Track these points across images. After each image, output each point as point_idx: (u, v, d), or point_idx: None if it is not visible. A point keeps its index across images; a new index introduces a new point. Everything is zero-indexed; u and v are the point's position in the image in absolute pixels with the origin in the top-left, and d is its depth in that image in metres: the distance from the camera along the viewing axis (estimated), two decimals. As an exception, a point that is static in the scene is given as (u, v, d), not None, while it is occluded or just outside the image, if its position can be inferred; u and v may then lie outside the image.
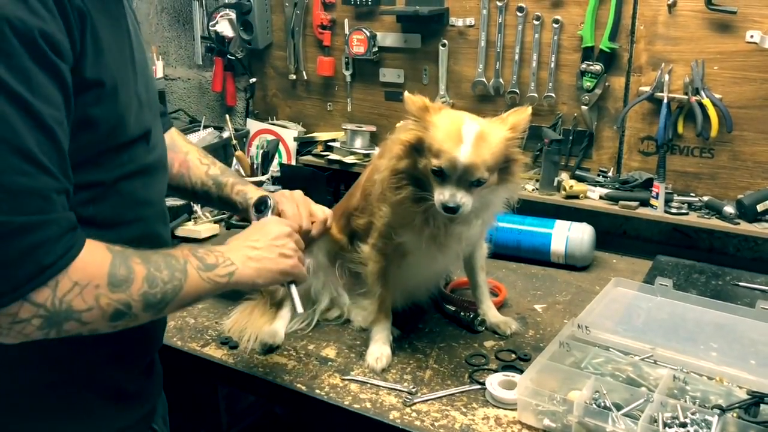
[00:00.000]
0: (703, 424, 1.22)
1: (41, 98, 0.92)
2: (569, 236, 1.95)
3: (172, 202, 2.25)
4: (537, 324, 1.70)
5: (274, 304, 1.69)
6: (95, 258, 0.99)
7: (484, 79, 2.21)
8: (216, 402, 1.76)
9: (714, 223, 1.89)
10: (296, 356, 1.56)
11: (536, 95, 2.14)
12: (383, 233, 1.54)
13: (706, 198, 1.96)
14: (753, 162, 1.92)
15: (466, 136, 1.34)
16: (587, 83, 2.03)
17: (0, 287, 0.91)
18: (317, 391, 1.43)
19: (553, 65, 2.10)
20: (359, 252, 1.60)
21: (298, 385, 1.45)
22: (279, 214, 1.43)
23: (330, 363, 1.53)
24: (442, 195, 1.35)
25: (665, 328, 1.59)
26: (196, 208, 2.29)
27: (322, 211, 1.52)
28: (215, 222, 2.28)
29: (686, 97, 1.93)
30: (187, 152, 1.52)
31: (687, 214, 1.93)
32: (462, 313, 1.68)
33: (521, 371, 1.46)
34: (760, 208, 1.84)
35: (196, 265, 1.12)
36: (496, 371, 1.48)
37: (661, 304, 1.69)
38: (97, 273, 0.99)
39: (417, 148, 1.40)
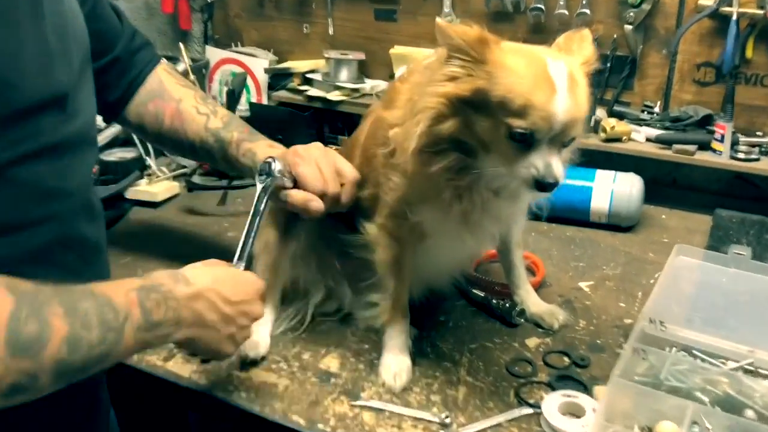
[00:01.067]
0: None
1: None
2: (614, 190, 1.60)
3: (120, 154, 1.86)
4: (587, 310, 1.36)
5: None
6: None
7: (500, -7, 1.79)
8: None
9: (794, 171, 1.55)
10: (288, 371, 1.20)
11: (566, 12, 1.74)
12: (395, 211, 1.16)
13: (778, 138, 1.61)
14: (840, 93, 1.56)
15: (557, 80, 0.95)
16: (634, -4, 1.63)
17: None
18: (320, 425, 1.08)
19: (589, -27, 1.68)
20: (363, 233, 1.22)
21: (295, 417, 1.10)
22: (294, 181, 1.16)
23: (333, 380, 1.18)
24: (533, 168, 0.98)
25: (752, 315, 1.26)
26: (150, 161, 1.87)
27: (350, 169, 1.20)
28: (174, 179, 1.88)
29: (761, 11, 1.53)
30: (179, 99, 1.24)
31: (758, 159, 1.58)
32: (494, 301, 1.33)
33: (581, 383, 1.15)
34: None
35: (137, 324, 0.81)
36: (549, 385, 1.15)
37: (737, 278, 1.35)
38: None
39: (474, 104, 0.99)
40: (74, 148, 0.90)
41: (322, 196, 1.16)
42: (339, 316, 1.35)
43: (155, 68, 1.27)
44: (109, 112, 1.30)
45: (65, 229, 0.91)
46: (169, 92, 1.26)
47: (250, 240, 1.16)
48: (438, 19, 1.00)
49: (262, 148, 1.23)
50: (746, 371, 1.14)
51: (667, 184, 1.79)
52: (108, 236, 1.57)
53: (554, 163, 0.98)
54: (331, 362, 1.23)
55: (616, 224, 1.62)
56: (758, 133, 1.65)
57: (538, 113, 0.95)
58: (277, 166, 1.15)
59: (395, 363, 1.18)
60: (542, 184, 0.98)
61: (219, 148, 1.25)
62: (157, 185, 1.82)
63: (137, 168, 1.84)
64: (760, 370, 1.13)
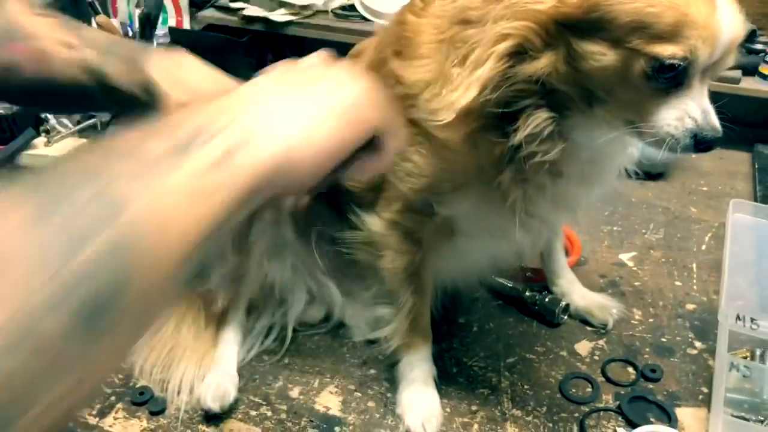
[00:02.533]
0: None
1: None
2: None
3: (4, 106, 1.42)
4: (639, 294, 1.09)
5: (212, 317, 0.98)
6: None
7: None
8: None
9: None
10: (273, 418, 0.90)
11: None
12: (415, 203, 0.83)
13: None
14: None
15: None
16: None
17: None
18: (330, 505, 0.79)
19: None
20: (360, 227, 0.89)
21: (292, 495, 0.80)
22: None
23: (337, 428, 0.87)
24: (687, 116, 0.68)
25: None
26: (47, 114, 1.45)
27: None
28: (80, 134, 1.46)
29: None
30: (36, 35, 0.87)
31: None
32: (527, 293, 1.04)
33: (660, 407, 0.90)
34: None
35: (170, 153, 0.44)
36: (620, 412, 0.89)
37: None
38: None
39: (585, 27, 0.66)
40: None
41: None
42: (328, 327, 1.03)
43: None
44: None
45: None
46: (23, 26, 0.88)
47: None
48: None
49: (161, 72, 0.82)
50: None
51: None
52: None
53: (711, 108, 0.68)
54: (328, 399, 0.92)
55: (647, 171, 1.34)
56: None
57: (698, 33, 0.64)
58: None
59: (421, 403, 0.89)
60: (704, 141, 0.68)
61: (99, 86, 0.86)
62: (59, 145, 1.42)
63: (30, 124, 1.43)
64: None
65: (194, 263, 0.44)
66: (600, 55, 0.66)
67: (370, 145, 0.55)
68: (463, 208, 0.81)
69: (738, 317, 0.95)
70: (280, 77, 0.54)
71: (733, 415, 0.84)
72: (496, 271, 1.03)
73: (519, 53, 0.67)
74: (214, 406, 0.87)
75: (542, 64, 0.67)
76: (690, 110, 0.68)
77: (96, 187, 0.40)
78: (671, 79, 0.66)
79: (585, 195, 0.84)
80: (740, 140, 1.42)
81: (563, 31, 0.66)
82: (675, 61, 0.65)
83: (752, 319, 0.96)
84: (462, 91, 0.69)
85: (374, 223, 0.87)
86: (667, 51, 0.64)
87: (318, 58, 0.59)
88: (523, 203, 0.78)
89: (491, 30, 0.67)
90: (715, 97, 1.11)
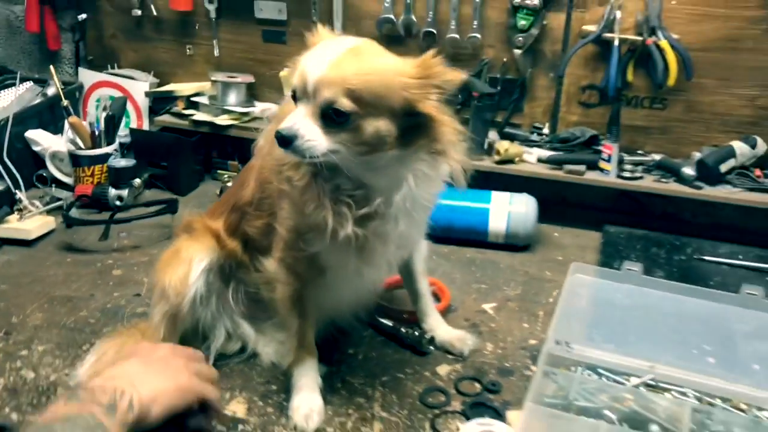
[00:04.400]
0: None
1: None
2: (511, 212, 1.62)
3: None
4: (493, 333, 1.36)
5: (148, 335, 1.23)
6: None
7: (392, 15, 1.79)
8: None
9: (674, 188, 1.63)
10: (190, 420, 1.12)
11: (458, 36, 1.75)
12: (290, 242, 1.12)
13: (657, 156, 1.69)
14: (711, 113, 1.67)
15: (332, 53, 0.96)
16: (522, 21, 1.67)
17: None
18: (230, 479, 1.02)
19: (478, -2, 1.71)
20: (261, 270, 1.17)
21: (202, 474, 1.02)
22: None
23: (241, 427, 1.11)
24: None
25: (647, 329, 1.31)
26: (21, 195, 1.72)
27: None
28: (48, 213, 1.73)
29: (640, 38, 1.62)
30: None
31: (642, 178, 1.66)
32: (403, 330, 1.31)
33: (495, 410, 1.15)
34: (723, 168, 1.60)
35: (101, 411, 0.83)
36: (464, 415, 1.14)
37: (630, 292, 1.40)
38: None
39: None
40: None
41: None
42: (243, 357, 1.28)
43: None
44: None
45: None
46: None
47: None
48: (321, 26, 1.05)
49: None
50: (648, 386, 1.17)
51: (557, 202, 1.84)
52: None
53: (297, 119, 0.96)
54: (237, 407, 1.15)
55: (514, 244, 1.65)
56: (639, 151, 1.73)
57: (299, 69, 0.97)
58: None
59: (306, 404, 1.13)
60: (277, 134, 0.97)
61: None
62: (29, 221, 1.67)
63: (5, 203, 1.68)
64: (660, 385, 1.17)
65: None
66: None
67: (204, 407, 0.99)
68: (319, 247, 1.09)
69: (557, 341, 1.24)
70: (143, 360, 0.97)
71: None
72: (367, 305, 1.30)
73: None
74: None
75: None
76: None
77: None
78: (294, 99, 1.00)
79: (393, 229, 1.06)
80: (593, 222, 1.76)
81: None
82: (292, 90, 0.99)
83: (567, 343, 1.25)
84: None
85: (269, 263, 1.15)
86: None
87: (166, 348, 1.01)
88: (349, 243, 1.04)
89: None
90: (567, 186, 1.46)
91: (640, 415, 1.11)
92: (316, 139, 0.95)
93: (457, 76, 0.99)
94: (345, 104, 0.94)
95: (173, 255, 1.23)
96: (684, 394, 1.16)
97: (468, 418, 1.12)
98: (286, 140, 0.95)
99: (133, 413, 0.85)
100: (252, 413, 1.14)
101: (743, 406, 1.14)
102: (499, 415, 1.13)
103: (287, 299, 1.15)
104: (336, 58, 0.95)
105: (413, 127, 0.99)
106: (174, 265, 1.21)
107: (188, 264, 1.21)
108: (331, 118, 0.95)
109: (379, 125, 0.96)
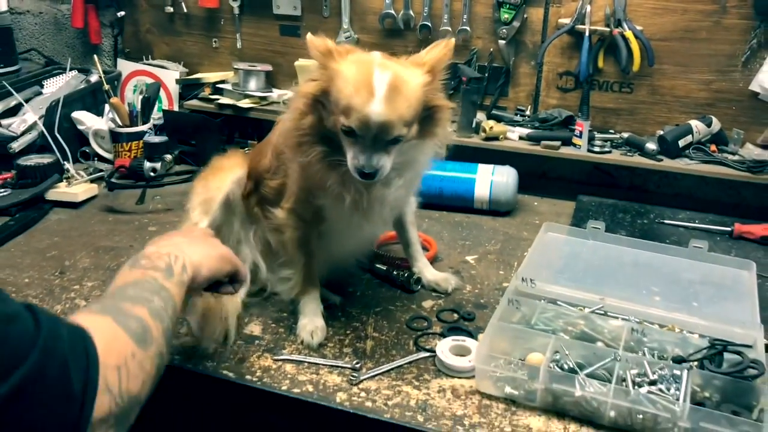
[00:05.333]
0: (672, 379, 1.16)
1: None
2: (494, 181, 1.85)
3: (37, 159, 1.95)
4: (473, 278, 1.59)
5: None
6: (105, 332, 0.86)
7: (392, 11, 2.03)
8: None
9: (637, 160, 1.85)
10: (216, 337, 1.36)
11: (450, 29, 1.99)
12: (299, 196, 1.36)
13: (626, 134, 1.92)
14: (672, 96, 1.89)
15: (377, 87, 1.14)
16: (505, 15, 1.90)
17: None
18: (248, 377, 1.25)
19: (467, -5, 1.95)
20: (272, 218, 1.40)
21: (225, 372, 1.26)
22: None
23: (257, 342, 1.35)
24: (356, 159, 1.17)
25: (605, 274, 1.53)
26: (68, 165, 1.97)
27: None
28: (92, 182, 1.98)
29: (608, 29, 1.84)
30: None
31: (610, 152, 1.88)
32: (395, 272, 1.54)
33: (468, 333, 1.37)
34: (681, 143, 1.82)
35: (162, 275, 1.01)
36: (442, 335, 1.36)
37: (594, 247, 1.63)
38: (122, 344, 0.87)
39: (323, 102, 1.20)
40: None
41: None
42: (262, 297, 1.50)
43: None
44: None
45: None
46: None
47: None
48: (308, 35, 1.21)
49: None
50: (598, 314, 1.39)
51: (538, 176, 2.07)
52: (32, 234, 1.69)
53: (374, 157, 1.16)
54: (254, 328, 1.39)
55: (496, 210, 1.88)
56: (611, 130, 1.96)
57: (356, 113, 1.14)
58: None
59: (311, 323, 1.36)
60: (362, 173, 1.17)
61: None
62: (76, 187, 1.92)
63: (56, 171, 1.94)
64: (608, 313, 1.39)
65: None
66: (329, 117, 1.19)
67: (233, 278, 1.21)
68: (324, 202, 1.33)
69: (523, 279, 1.46)
70: (185, 235, 1.17)
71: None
72: (365, 253, 1.54)
73: (301, 113, 1.22)
74: None
75: (309, 119, 1.22)
76: (358, 156, 1.16)
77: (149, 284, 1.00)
78: (351, 136, 1.16)
79: (389, 193, 1.29)
80: (569, 193, 1.98)
81: (314, 103, 1.21)
82: (347, 128, 1.15)
83: (531, 280, 1.47)
84: (284, 126, 1.29)
85: (279, 211, 1.39)
86: (342, 121, 1.15)
87: (201, 228, 1.26)
88: (353, 200, 1.27)
89: (293, 102, 1.26)
90: (546, 160, 1.70)
91: (589, 335, 1.33)
92: (386, 165, 1.18)
93: (448, 52, 1.22)
94: (403, 132, 1.17)
95: (209, 172, 1.49)
96: (628, 321, 1.38)
97: (445, 337, 1.35)
98: (370, 176, 1.17)
99: (187, 275, 1.04)
100: (266, 333, 1.38)
101: (677, 330, 1.36)
102: (471, 336, 1.36)
103: (295, 240, 1.38)
104: (384, 95, 1.13)
105: (426, 117, 1.22)
106: (210, 178, 1.46)
107: (222, 174, 1.46)
108: (388, 143, 1.17)
109: (413, 131, 1.20)
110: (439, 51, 1.23)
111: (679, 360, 1.22)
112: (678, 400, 1.11)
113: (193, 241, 1.15)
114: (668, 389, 1.14)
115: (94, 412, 0.79)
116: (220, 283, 1.20)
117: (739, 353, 1.21)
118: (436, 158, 1.36)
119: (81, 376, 0.78)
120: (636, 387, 1.15)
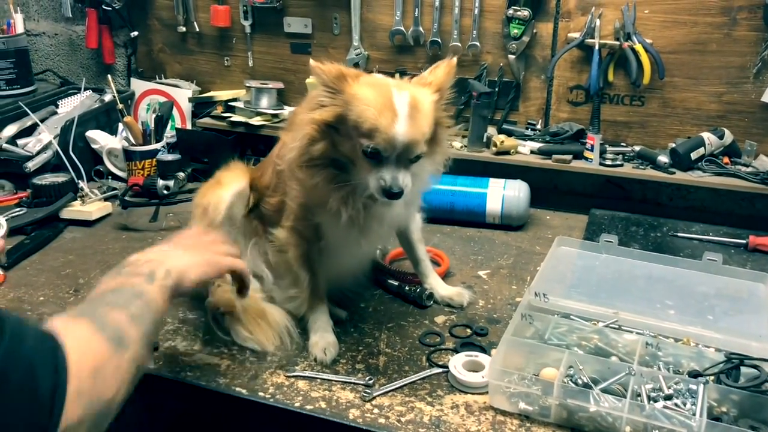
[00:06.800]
0: (687, 394, 1.15)
1: None
2: (505, 195, 1.85)
3: (52, 178, 1.96)
4: (485, 293, 1.58)
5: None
6: (79, 335, 0.86)
7: (402, 28, 2.04)
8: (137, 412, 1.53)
9: (649, 173, 1.85)
10: (228, 353, 1.36)
11: (459, 44, 2.00)
12: (299, 214, 1.37)
13: (637, 147, 1.91)
14: (683, 109, 1.89)
15: (399, 108, 1.16)
16: (514, 30, 1.91)
17: None
18: (261, 393, 1.25)
19: (477, 11, 1.95)
20: (273, 240, 1.41)
21: (238, 389, 1.26)
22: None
23: (270, 358, 1.35)
24: (382, 179, 1.18)
25: (619, 288, 1.52)
26: (82, 184, 1.99)
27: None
28: (106, 200, 2.00)
29: (618, 43, 1.85)
30: None
31: (622, 165, 1.88)
32: (407, 288, 1.54)
33: (481, 348, 1.36)
34: (693, 156, 1.81)
35: (143, 280, 1.03)
36: (455, 350, 1.36)
37: (607, 261, 1.62)
38: (97, 348, 0.87)
39: (336, 128, 1.21)
40: None
41: None
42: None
43: None
44: None
45: None
46: None
47: None
48: (311, 61, 1.22)
49: None
50: (612, 328, 1.38)
51: (550, 190, 2.06)
52: (46, 252, 1.70)
53: (399, 176, 1.18)
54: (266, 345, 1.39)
55: (508, 224, 1.87)
56: (622, 143, 1.95)
57: (381, 134, 1.16)
58: None
59: (322, 340, 1.36)
60: (390, 193, 1.19)
61: None
62: (90, 205, 1.93)
63: (70, 190, 1.95)
64: (623, 327, 1.38)
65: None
66: (345, 141, 1.21)
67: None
68: (323, 220, 1.33)
69: (536, 293, 1.46)
70: (174, 244, 1.18)
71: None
72: (365, 269, 1.55)
73: (311, 140, 1.23)
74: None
75: (320, 146, 1.23)
76: (385, 176, 1.18)
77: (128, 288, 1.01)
78: (374, 158, 1.18)
79: (388, 212, 1.31)
80: (582, 206, 1.98)
81: (328, 128, 1.21)
82: (371, 149, 1.16)
83: (544, 294, 1.46)
84: (291, 156, 1.27)
85: (279, 231, 1.40)
86: (364, 143, 1.17)
87: (194, 230, 1.28)
88: (350, 219, 1.28)
89: (301, 127, 1.24)
90: (557, 174, 1.71)
91: (603, 349, 1.32)
92: (409, 183, 1.20)
93: (451, 69, 1.25)
94: (424, 149, 1.20)
95: (212, 183, 1.50)
96: (642, 335, 1.36)
97: (458, 353, 1.34)
98: (398, 195, 1.19)
99: (171, 279, 1.06)
100: (279, 349, 1.37)
101: (692, 344, 1.34)
102: (485, 352, 1.35)
103: (298, 257, 1.39)
104: (407, 115, 1.16)
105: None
106: (212, 189, 1.47)
107: (224, 186, 1.46)
108: (410, 162, 1.20)
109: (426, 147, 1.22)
110: (443, 71, 1.26)
111: (694, 374, 1.20)
112: (694, 415, 1.10)
113: (179, 247, 1.16)
114: (684, 404, 1.13)
115: (64, 416, 0.77)
116: (242, 288, 1.26)
117: (756, 367, 1.20)
118: (435, 174, 1.37)
119: (49, 381, 0.77)
120: (651, 402, 1.14)
